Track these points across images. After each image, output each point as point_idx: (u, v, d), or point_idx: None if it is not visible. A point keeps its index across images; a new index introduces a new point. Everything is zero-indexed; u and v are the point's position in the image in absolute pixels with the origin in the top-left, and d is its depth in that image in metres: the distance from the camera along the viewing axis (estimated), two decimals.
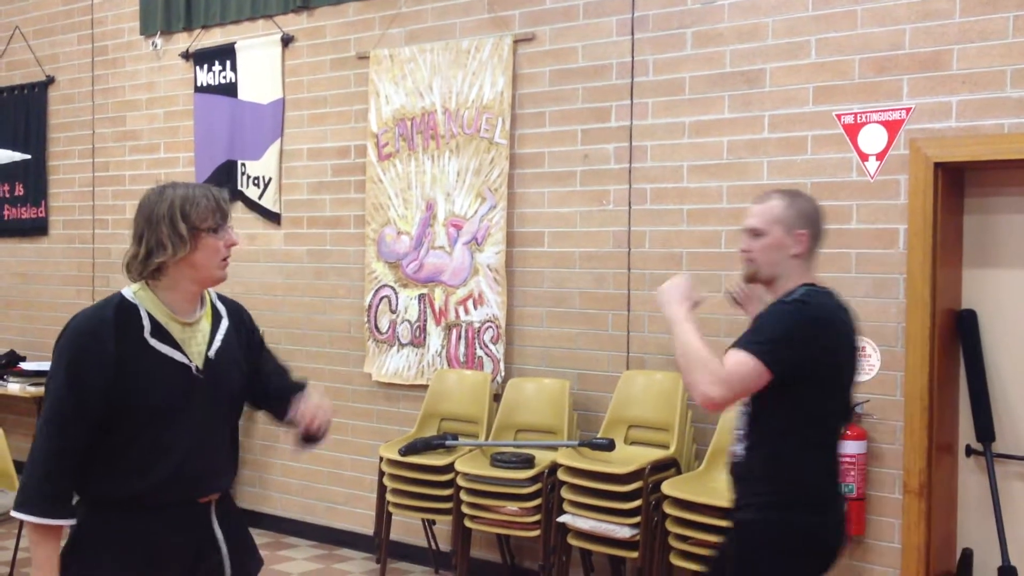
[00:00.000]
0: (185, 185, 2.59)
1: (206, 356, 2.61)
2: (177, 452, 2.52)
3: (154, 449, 2.49)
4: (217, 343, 2.65)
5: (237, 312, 2.81)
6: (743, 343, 2.83)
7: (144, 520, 2.51)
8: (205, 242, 2.56)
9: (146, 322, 2.52)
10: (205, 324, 2.65)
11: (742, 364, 2.77)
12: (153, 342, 2.52)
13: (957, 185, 4.56)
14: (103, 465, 2.48)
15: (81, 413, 2.43)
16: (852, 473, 4.48)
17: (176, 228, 2.51)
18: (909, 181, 4.45)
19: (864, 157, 4.57)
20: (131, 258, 2.56)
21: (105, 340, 2.46)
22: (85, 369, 2.44)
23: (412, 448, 5.27)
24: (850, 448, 4.48)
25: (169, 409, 2.51)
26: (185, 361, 2.55)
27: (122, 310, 2.51)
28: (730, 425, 4.75)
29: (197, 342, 2.60)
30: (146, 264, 2.53)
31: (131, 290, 2.59)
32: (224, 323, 2.72)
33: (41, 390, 7.30)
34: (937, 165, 4.40)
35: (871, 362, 4.53)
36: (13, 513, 2.48)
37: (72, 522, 2.48)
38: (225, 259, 2.62)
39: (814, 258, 3.03)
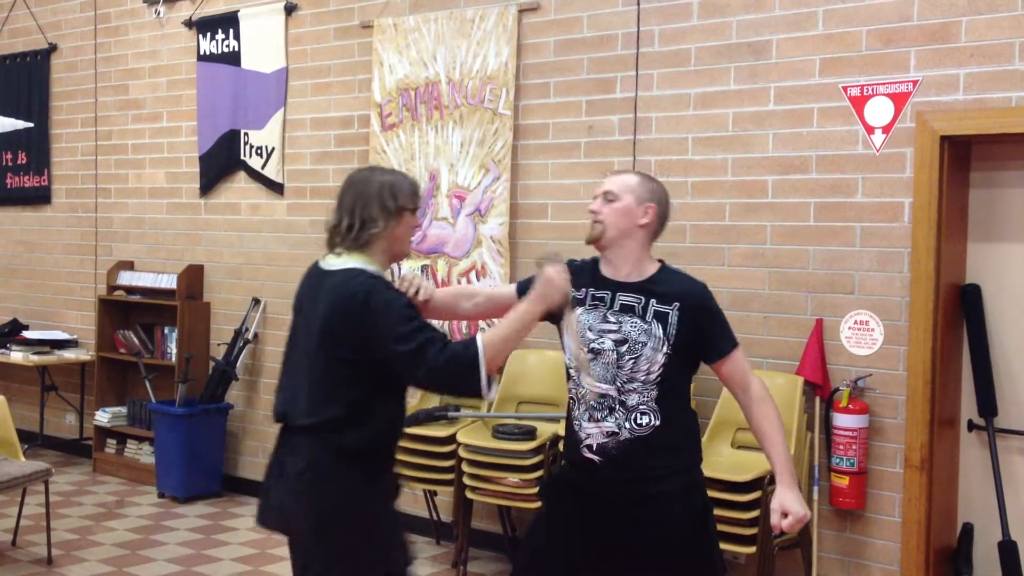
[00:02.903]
0: (390, 171, 3.06)
1: None
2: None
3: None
4: None
5: None
6: (732, 340, 3.07)
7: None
8: (405, 219, 2.94)
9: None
10: None
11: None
12: None
13: (963, 159, 4.52)
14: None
15: None
16: (853, 447, 4.47)
17: (386, 205, 2.88)
18: (915, 154, 4.42)
19: (870, 130, 4.54)
20: (344, 229, 2.89)
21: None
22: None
23: (414, 419, 5.27)
24: (852, 422, 4.48)
25: None
26: None
27: (378, 275, 2.87)
28: (732, 401, 4.75)
29: None
30: (360, 235, 2.88)
31: (358, 259, 2.88)
32: None
33: (44, 359, 7.33)
34: (943, 138, 4.36)
35: (874, 336, 4.51)
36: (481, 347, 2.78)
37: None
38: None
39: (653, 239, 3.13)
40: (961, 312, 4.53)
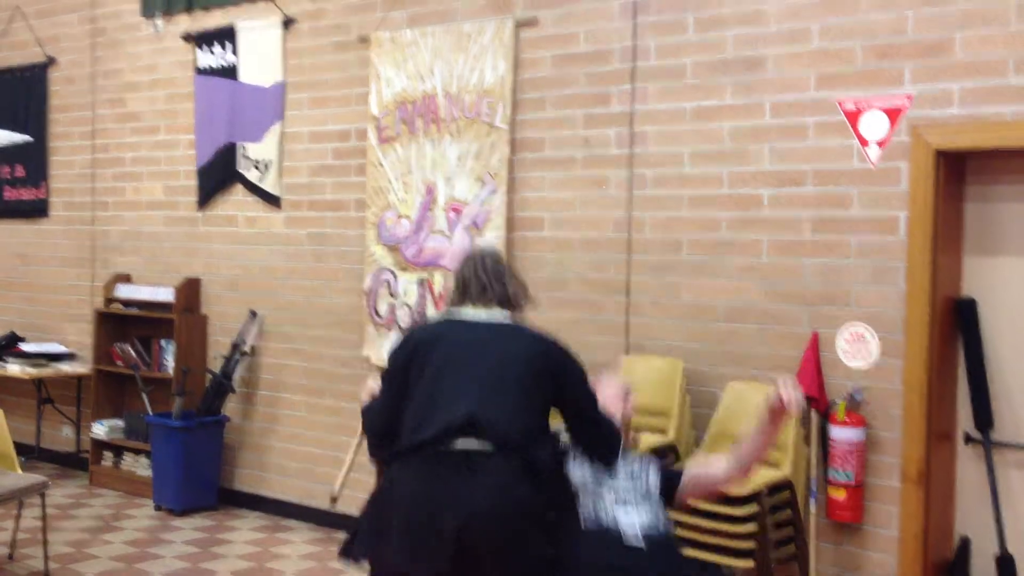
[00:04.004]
0: None
1: None
2: None
3: None
4: None
5: None
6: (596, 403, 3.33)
7: None
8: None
9: None
10: None
11: None
12: None
13: (959, 173, 4.54)
14: None
15: None
16: (851, 461, 4.48)
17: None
18: (910, 168, 4.44)
19: (865, 143, 4.55)
20: (515, 293, 3.37)
21: None
22: None
23: None
24: (849, 435, 4.49)
25: None
26: None
27: None
28: (732, 411, 4.75)
29: None
30: (520, 303, 3.39)
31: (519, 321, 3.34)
32: None
33: (41, 371, 7.32)
34: (939, 153, 4.38)
35: (870, 349, 4.52)
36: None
37: None
38: None
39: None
40: (957, 326, 4.54)
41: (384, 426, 3.22)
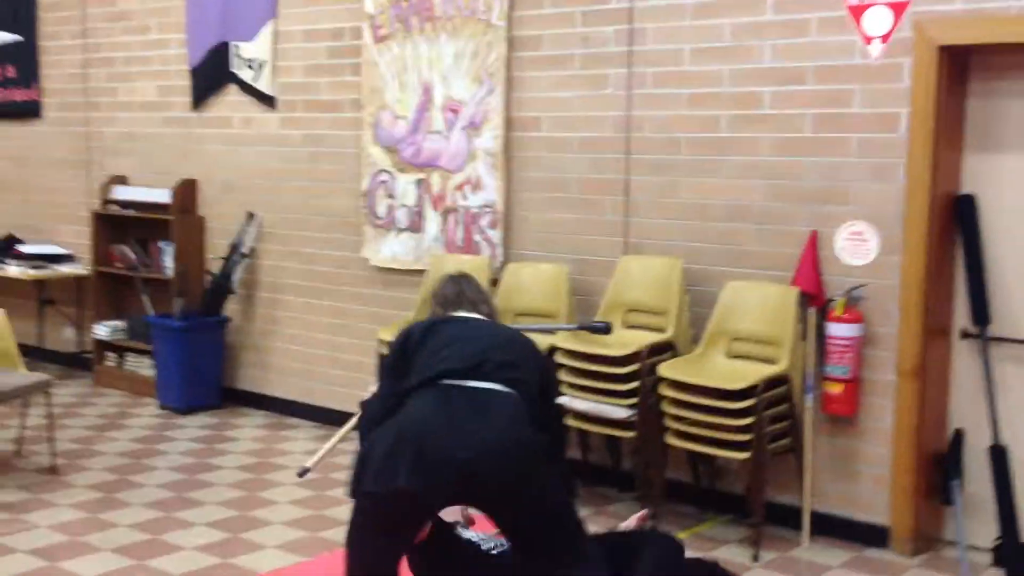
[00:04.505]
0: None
1: None
2: None
3: None
4: None
5: None
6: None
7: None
8: None
9: None
10: None
11: None
12: None
13: (962, 68, 4.50)
14: None
15: None
16: (847, 356, 4.54)
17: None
18: (913, 64, 4.40)
19: (868, 40, 4.51)
20: (487, 310, 3.57)
21: None
22: None
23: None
24: (846, 331, 4.54)
25: None
26: None
27: None
28: (730, 310, 4.80)
29: None
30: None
31: None
32: None
33: (40, 273, 7.35)
34: (942, 48, 4.34)
35: (869, 247, 4.54)
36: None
37: None
38: None
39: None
40: (956, 222, 4.56)
41: (384, 413, 3.15)
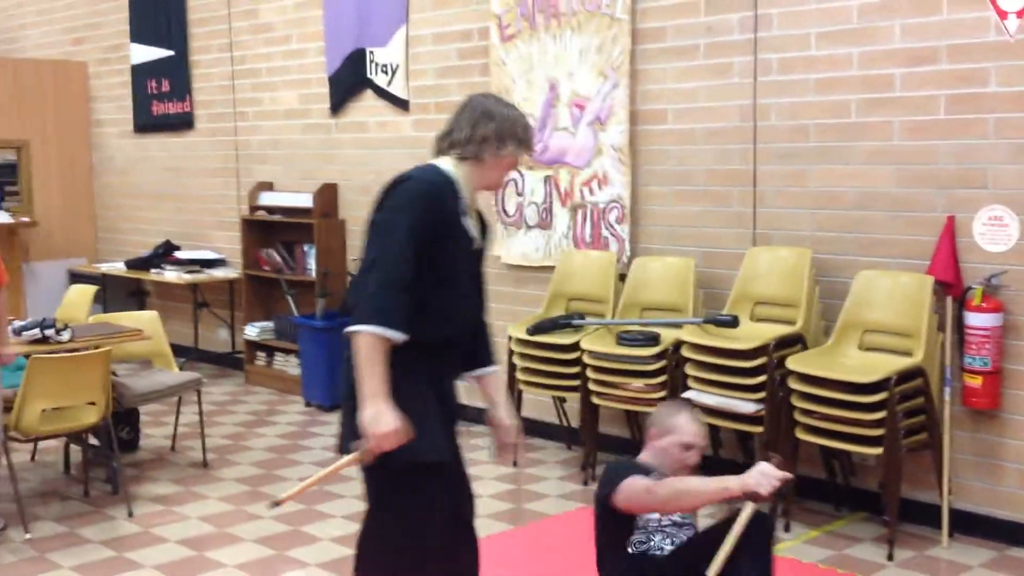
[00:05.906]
0: (515, 107, 3.07)
1: (477, 238, 3.06)
2: (464, 308, 3.05)
3: (451, 304, 2.97)
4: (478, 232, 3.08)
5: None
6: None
7: (441, 358, 3.02)
8: (508, 159, 2.99)
9: (462, 196, 2.95)
10: (474, 215, 3.06)
11: None
12: (462, 216, 2.97)
13: None
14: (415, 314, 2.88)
15: (413, 259, 2.84)
16: (987, 346, 4.35)
17: (502, 136, 2.95)
18: None
19: (1003, 15, 4.30)
20: (454, 137, 2.96)
21: (441, 206, 2.90)
22: (424, 225, 2.85)
23: (540, 328, 5.37)
24: (985, 321, 4.35)
25: (462, 273, 3.00)
26: (475, 237, 3.02)
27: (449, 182, 2.93)
28: (863, 300, 4.66)
29: (472, 226, 3.02)
30: (466, 148, 2.95)
31: (447, 165, 2.96)
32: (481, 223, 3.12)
33: (195, 277, 7.72)
34: None
35: (1009, 232, 4.34)
36: (353, 328, 2.79)
37: (402, 337, 2.82)
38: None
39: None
40: None
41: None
